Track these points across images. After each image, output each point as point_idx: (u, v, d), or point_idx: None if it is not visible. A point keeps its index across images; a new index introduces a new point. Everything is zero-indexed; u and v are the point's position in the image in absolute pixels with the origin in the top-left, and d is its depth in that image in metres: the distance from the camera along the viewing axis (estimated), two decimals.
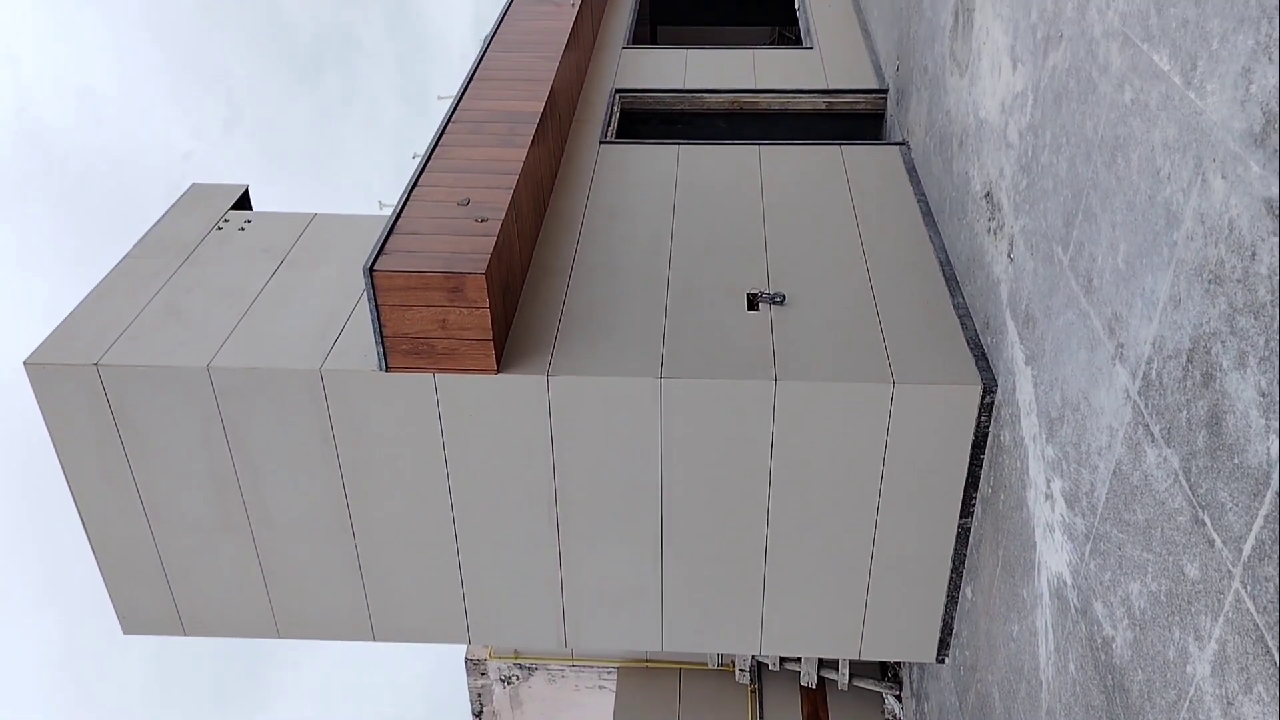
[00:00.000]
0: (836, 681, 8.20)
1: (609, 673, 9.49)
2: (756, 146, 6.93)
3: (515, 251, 5.27)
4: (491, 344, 4.74)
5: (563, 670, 9.58)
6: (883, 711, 8.21)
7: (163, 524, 5.52)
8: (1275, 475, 2.36)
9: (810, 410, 4.84)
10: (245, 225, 6.23)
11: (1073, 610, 3.70)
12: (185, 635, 5.97)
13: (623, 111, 8.02)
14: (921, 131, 6.50)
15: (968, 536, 5.18)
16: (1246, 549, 2.49)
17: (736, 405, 4.84)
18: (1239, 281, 2.55)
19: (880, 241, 5.84)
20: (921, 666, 6.96)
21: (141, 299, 5.49)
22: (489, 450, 5.09)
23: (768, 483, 5.08)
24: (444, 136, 5.80)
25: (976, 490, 5.02)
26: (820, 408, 4.83)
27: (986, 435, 4.84)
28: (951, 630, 5.55)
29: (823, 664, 8.33)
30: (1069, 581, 3.74)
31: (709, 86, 8.05)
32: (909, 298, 5.34)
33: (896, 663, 8.14)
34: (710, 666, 8.98)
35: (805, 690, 8.58)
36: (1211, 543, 2.66)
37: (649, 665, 9.13)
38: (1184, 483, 2.83)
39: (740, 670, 8.69)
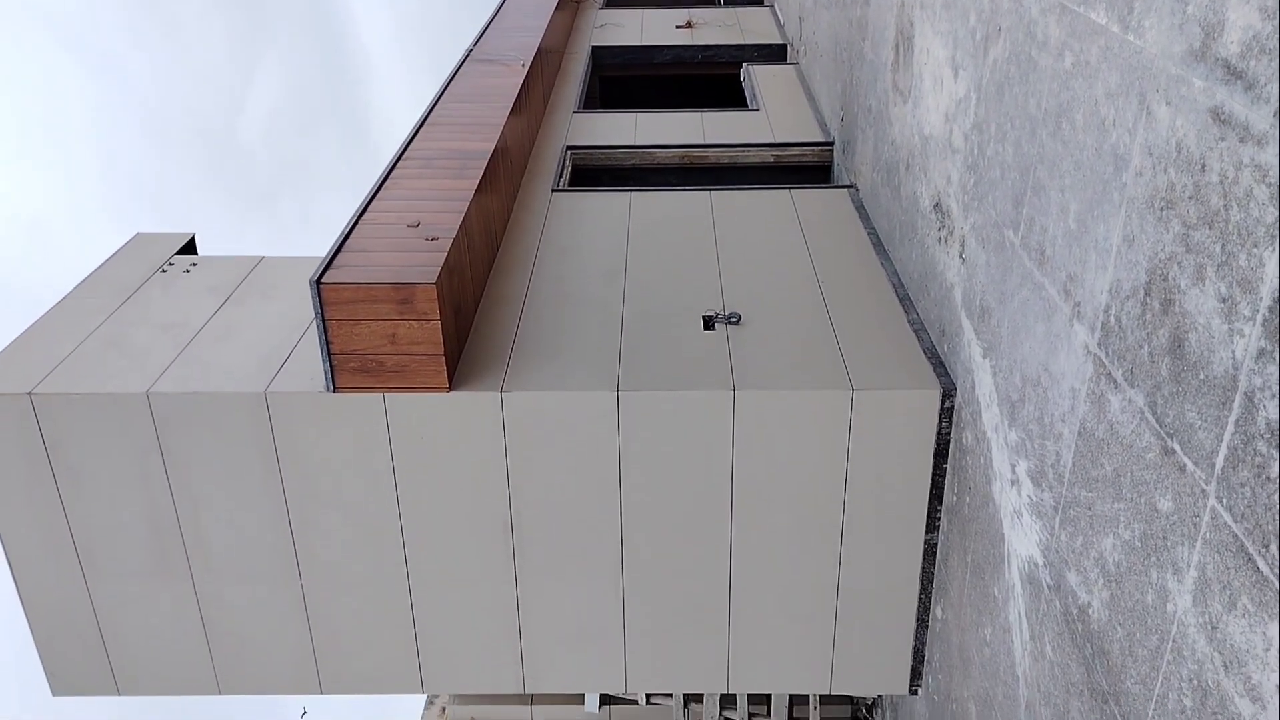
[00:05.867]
0: None
1: None
2: (708, 192, 7.01)
3: (467, 276, 5.21)
4: (443, 359, 4.62)
5: None
6: None
7: (96, 569, 5.24)
8: (1242, 375, 2.32)
9: (770, 421, 4.76)
10: (191, 268, 6.12)
11: (1045, 590, 3.59)
12: (119, 695, 5.61)
13: (574, 168, 8.09)
14: (869, 170, 6.61)
15: (935, 553, 5.07)
16: (1219, 461, 2.42)
17: (695, 418, 4.75)
18: (1191, 198, 2.55)
19: (833, 269, 5.86)
20: (895, 705, 6.74)
21: (81, 333, 5.32)
22: (441, 475, 4.92)
23: (729, 502, 4.95)
24: (393, 171, 5.78)
25: (941, 502, 4.93)
26: (780, 418, 4.75)
27: (948, 442, 4.78)
28: (924, 658, 5.38)
29: (794, 705, 8.05)
30: (1040, 561, 3.64)
31: (659, 143, 8.17)
32: (864, 317, 5.34)
33: (870, 702, 7.89)
34: None
35: None
36: (1183, 468, 2.60)
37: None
38: (1150, 417, 2.77)
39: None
